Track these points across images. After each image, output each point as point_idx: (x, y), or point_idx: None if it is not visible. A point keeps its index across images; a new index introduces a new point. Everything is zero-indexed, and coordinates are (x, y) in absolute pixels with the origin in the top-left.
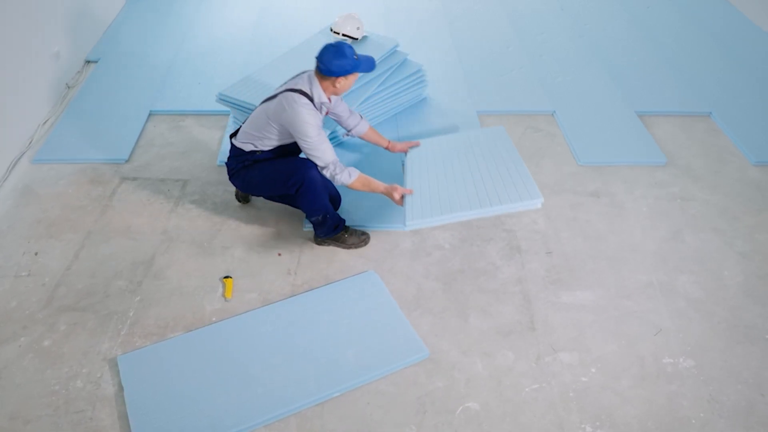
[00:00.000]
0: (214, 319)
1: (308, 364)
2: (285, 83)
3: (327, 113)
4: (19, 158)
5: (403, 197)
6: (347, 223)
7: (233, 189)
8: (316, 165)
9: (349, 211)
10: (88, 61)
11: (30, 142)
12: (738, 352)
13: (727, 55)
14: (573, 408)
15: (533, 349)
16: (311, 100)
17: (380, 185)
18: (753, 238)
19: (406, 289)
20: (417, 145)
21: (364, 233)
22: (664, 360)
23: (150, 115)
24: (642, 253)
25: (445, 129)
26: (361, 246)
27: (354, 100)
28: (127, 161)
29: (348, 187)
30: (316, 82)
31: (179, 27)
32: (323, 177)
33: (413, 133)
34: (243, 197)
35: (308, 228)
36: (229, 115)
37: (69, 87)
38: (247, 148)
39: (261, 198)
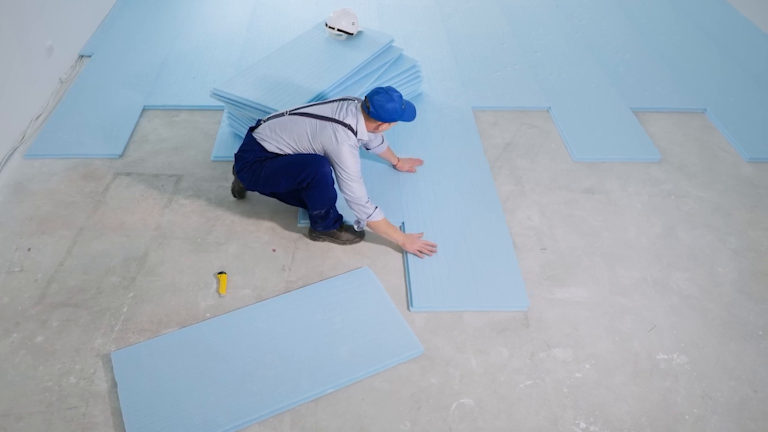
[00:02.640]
0: (208, 315)
1: (302, 361)
2: (331, 103)
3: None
4: (11, 154)
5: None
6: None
7: (228, 185)
8: (327, 161)
9: (343, 207)
10: (81, 56)
11: (22, 137)
12: (731, 349)
13: (722, 51)
14: (567, 404)
15: (527, 346)
16: (355, 134)
17: (400, 236)
18: (746, 234)
19: (400, 285)
20: (421, 164)
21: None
22: (657, 356)
23: (144, 110)
24: (636, 249)
25: (441, 125)
26: (356, 242)
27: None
28: (120, 157)
29: (368, 225)
30: (361, 119)
31: (173, 22)
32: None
33: (408, 128)
34: (238, 192)
35: (303, 224)
36: (223, 110)
37: (62, 81)
38: (270, 148)
39: (256, 194)
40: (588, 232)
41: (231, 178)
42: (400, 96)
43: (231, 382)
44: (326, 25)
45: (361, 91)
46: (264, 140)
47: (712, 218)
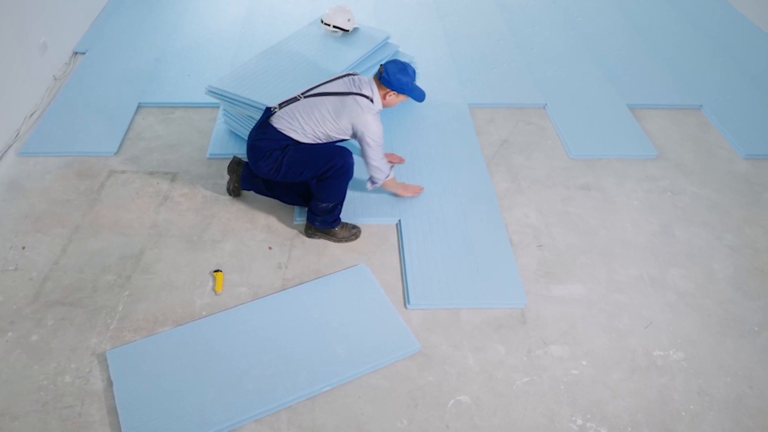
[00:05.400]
0: (204, 313)
1: (299, 359)
2: (340, 79)
3: None
4: (5, 151)
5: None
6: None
7: (223, 182)
8: (352, 154)
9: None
10: (75, 53)
11: (16, 135)
12: (727, 345)
13: (718, 48)
14: (564, 401)
15: (524, 343)
16: (372, 103)
17: (399, 187)
18: (742, 231)
19: (397, 283)
20: (401, 162)
21: (355, 227)
22: (654, 353)
23: (139, 107)
24: (633, 247)
25: (438, 122)
26: (352, 240)
27: None
28: (115, 154)
29: (383, 185)
30: (376, 89)
31: (168, 18)
32: None
33: (405, 125)
34: (234, 190)
35: (299, 221)
36: (218, 107)
37: (56, 79)
38: (293, 134)
39: (252, 191)
40: (585, 230)
41: (227, 175)
42: (415, 72)
43: (227, 381)
44: (322, 21)
45: None
46: (284, 127)
47: (709, 215)
